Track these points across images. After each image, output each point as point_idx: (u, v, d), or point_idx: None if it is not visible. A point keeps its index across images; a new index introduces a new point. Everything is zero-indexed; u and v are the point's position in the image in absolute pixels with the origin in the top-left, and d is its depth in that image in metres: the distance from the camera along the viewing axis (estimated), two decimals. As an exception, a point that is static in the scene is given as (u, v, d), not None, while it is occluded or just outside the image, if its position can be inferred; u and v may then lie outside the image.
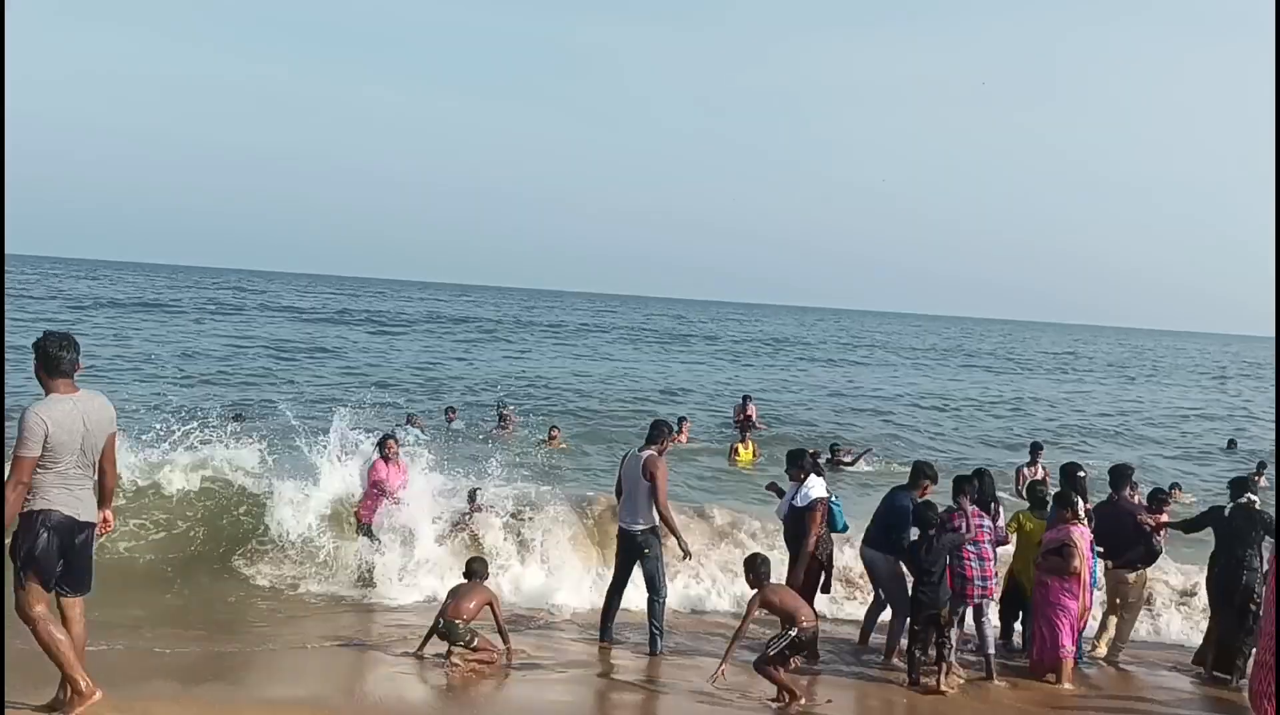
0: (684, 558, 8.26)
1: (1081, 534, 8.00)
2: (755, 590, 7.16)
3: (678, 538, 8.10)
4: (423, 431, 17.58)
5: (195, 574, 9.40)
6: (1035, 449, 14.95)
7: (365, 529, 9.63)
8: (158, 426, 10.58)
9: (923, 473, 8.44)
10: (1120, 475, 9.16)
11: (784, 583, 7.77)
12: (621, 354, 42.72)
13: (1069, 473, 9.06)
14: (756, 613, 7.15)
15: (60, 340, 5.34)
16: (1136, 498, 9.55)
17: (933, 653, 7.57)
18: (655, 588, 8.05)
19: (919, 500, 8.05)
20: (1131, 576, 8.88)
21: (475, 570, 7.78)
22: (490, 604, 7.53)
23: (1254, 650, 6.98)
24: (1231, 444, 23.24)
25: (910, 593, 7.89)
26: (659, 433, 8.16)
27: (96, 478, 5.53)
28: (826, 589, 8.62)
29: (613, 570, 8.47)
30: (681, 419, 18.97)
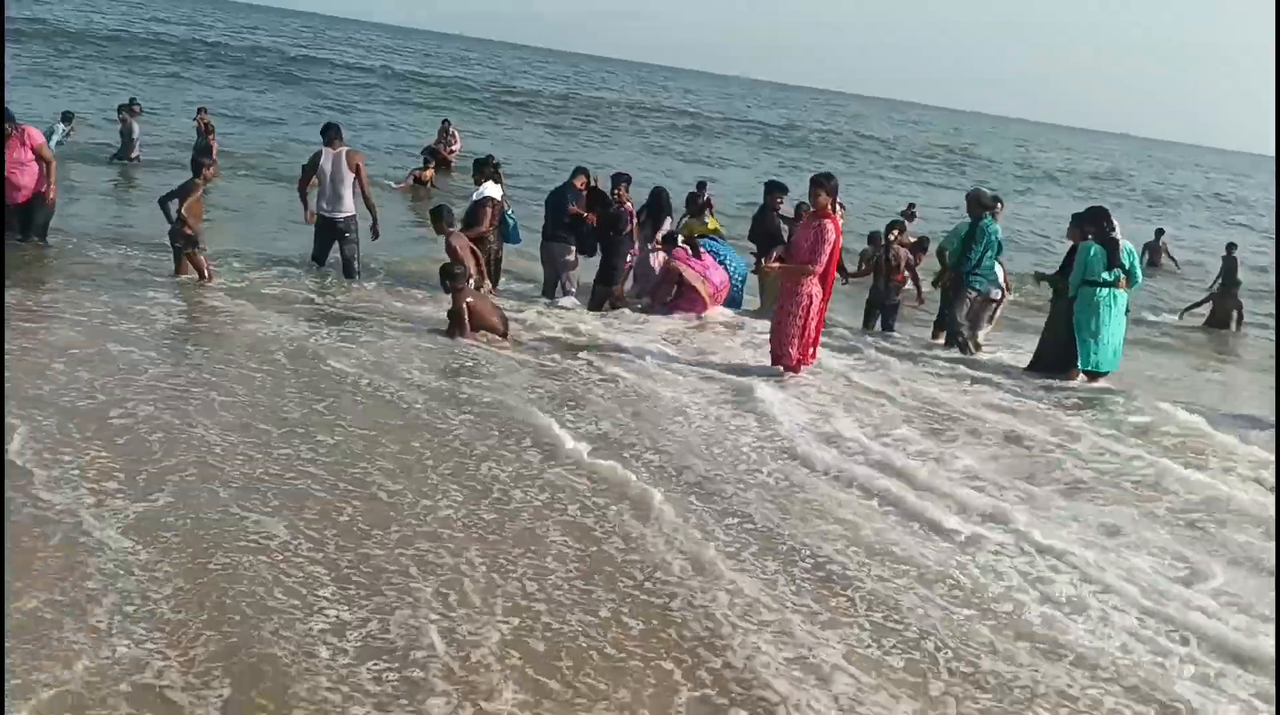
0: (375, 238, 10.08)
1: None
2: (444, 236, 8.85)
3: (374, 218, 9.94)
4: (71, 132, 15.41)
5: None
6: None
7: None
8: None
9: (581, 170, 10.46)
10: (766, 188, 11.31)
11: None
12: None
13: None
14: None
15: None
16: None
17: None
18: (351, 272, 9.85)
19: (578, 189, 10.10)
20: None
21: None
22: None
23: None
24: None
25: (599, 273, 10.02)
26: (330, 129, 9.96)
27: None
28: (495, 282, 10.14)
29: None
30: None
